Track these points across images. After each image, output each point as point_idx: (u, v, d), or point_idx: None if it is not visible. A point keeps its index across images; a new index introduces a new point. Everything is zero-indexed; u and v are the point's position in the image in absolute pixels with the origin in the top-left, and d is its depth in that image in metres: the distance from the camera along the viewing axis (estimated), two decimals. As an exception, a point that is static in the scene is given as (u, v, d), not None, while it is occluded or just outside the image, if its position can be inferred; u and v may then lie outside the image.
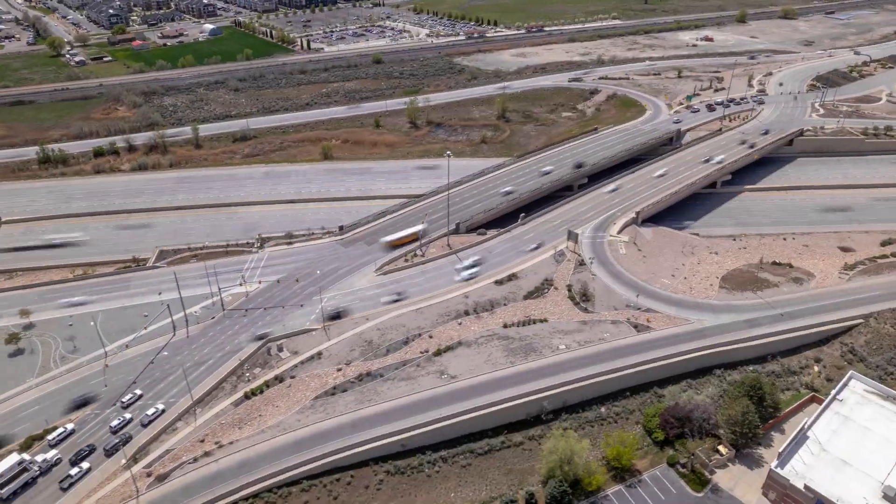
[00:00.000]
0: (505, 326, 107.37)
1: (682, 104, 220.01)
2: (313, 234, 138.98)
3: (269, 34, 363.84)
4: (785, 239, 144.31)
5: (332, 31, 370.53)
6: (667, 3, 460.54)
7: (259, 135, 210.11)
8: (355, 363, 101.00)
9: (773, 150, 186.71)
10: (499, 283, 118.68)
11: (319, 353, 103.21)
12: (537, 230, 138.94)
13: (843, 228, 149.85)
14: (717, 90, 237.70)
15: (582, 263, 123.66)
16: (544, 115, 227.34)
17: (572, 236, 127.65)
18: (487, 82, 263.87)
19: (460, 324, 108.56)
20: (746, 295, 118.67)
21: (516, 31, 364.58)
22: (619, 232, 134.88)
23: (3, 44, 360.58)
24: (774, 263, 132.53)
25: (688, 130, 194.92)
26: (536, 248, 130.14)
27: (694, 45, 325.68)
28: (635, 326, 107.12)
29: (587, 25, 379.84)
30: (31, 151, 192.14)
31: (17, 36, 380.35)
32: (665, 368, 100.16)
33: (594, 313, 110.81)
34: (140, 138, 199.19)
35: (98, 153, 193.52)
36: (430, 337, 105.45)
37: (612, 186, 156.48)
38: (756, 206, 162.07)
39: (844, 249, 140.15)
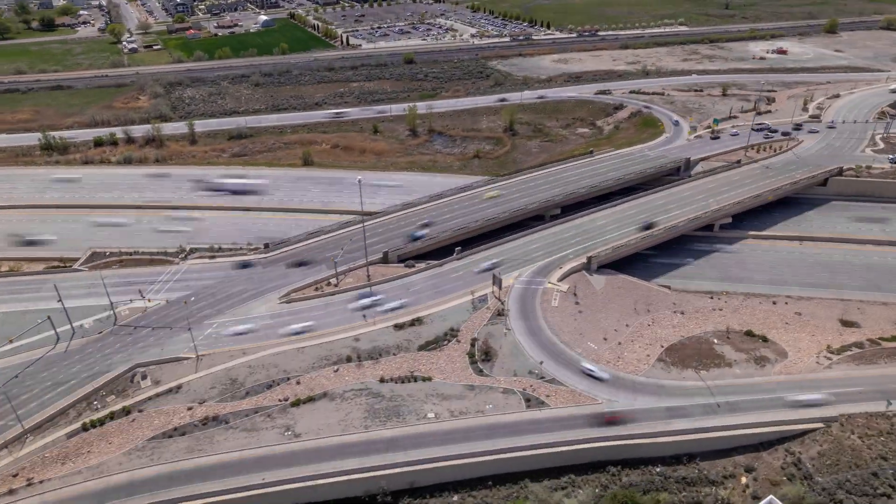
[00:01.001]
0: (381, 381, 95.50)
1: (708, 128, 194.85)
2: (240, 249, 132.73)
3: (317, 28, 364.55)
4: (775, 302, 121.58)
5: (379, 28, 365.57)
6: (750, 9, 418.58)
7: (256, 134, 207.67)
8: (209, 403, 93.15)
9: (801, 190, 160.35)
10: (399, 327, 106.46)
11: (179, 387, 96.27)
12: (472, 267, 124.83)
13: (854, 296, 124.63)
14: (760, 113, 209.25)
15: (500, 314, 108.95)
16: (556, 131, 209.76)
17: (496, 280, 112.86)
18: (512, 89, 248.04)
19: (336, 371, 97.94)
20: (686, 374, 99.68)
21: (567, 35, 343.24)
22: (562, 279, 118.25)
23: (77, 29, 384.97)
24: (747, 334, 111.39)
25: (701, 160, 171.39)
26: (447, 291, 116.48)
27: (762, 59, 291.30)
28: (528, 400, 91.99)
29: (648, 31, 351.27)
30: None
31: (93, 22, 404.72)
32: (545, 458, 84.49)
33: (489, 377, 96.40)
34: (139, 130, 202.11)
35: (98, 143, 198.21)
36: (298, 383, 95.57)
37: (579, 221, 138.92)
38: (755, 257, 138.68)
39: (846, 324, 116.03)
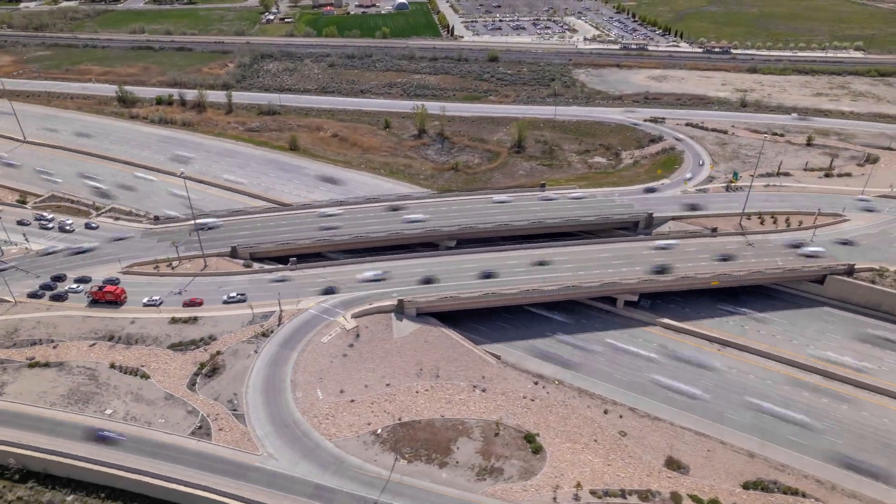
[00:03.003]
0: (111, 366, 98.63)
1: (727, 181, 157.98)
2: (144, 215, 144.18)
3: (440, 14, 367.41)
4: (607, 412, 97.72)
5: (500, 21, 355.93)
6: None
7: (284, 112, 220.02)
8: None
9: (787, 283, 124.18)
10: (174, 321, 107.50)
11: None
12: (289, 281, 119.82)
13: (717, 433, 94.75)
14: (831, 174, 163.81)
15: (265, 335, 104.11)
16: (566, 155, 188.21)
17: (279, 300, 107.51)
18: (573, 102, 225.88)
19: (92, 346, 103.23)
20: (387, 459, 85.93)
21: (692, 49, 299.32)
22: (358, 316, 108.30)
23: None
24: (526, 438, 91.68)
25: (674, 218, 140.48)
26: (234, 300, 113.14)
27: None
28: (200, 427, 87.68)
29: (804, 54, 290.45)
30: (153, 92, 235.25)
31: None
32: (145, 486, 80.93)
33: (194, 393, 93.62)
34: (190, 94, 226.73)
35: (158, 101, 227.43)
36: (54, 347, 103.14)
37: (472, 257, 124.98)
38: (651, 351, 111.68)
39: (672, 464, 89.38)
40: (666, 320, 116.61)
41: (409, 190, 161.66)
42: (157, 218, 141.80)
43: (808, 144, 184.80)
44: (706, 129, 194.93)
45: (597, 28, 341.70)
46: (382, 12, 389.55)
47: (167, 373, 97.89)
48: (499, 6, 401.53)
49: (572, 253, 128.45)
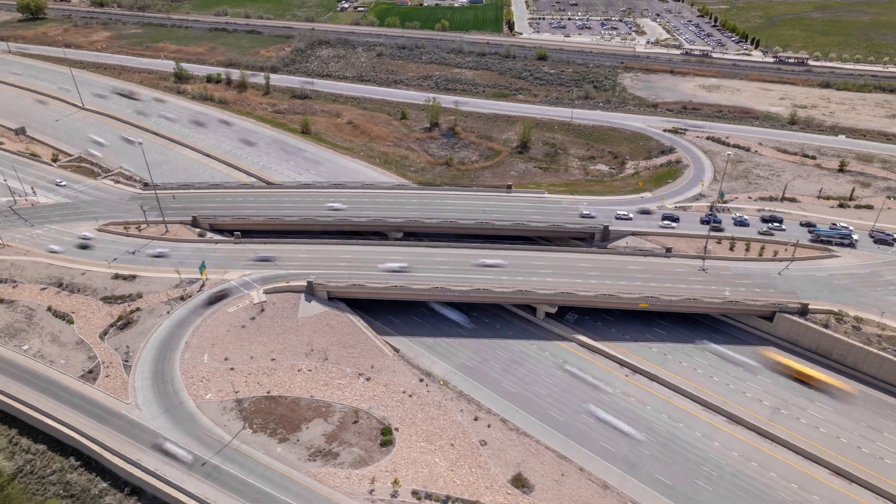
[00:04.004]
0: (30, 310, 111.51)
1: (715, 200, 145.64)
2: (139, 181, 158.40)
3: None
4: (477, 419, 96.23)
5: (569, 20, 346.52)
6: None
7: (315, 97, 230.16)
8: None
9: (733, 315, 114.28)
10: (116, 276, 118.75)
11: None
12: (227, 253, 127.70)
13: (580, 458, 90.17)
14: (857, 206, 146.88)
15: (183, 298, 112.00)
16: (569, 159, 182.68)
17: (203, 266, 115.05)
18: (607, 107, 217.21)
19: (43, 290, 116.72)
20: (234, 425, 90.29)
21: (762, 60, 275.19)
22: (271, 292, 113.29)
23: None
24: (383, 432, 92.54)
25: (635, 234, 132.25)
26: (157, 255, 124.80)
27: None
28: (51, 364, 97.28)
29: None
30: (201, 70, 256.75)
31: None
32: None
33: (96, 345, 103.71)
34: (235, 74, 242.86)
35: (208, 79, 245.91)
36: (14, 287, 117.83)
37: (412, 250, 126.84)
38: (541, 361, 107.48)
39: (517, 480, 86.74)
40: (581, 337, 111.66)
41: (389, 180, 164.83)
42: (146, 185, 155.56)
43: (840, 170, 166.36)
44: (727, 144, 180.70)
45: (667, 31, 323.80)
46: (456, 5, 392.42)
47: (89, 321, 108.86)
48: (574, 4, 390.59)
49: (507, 257, 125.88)
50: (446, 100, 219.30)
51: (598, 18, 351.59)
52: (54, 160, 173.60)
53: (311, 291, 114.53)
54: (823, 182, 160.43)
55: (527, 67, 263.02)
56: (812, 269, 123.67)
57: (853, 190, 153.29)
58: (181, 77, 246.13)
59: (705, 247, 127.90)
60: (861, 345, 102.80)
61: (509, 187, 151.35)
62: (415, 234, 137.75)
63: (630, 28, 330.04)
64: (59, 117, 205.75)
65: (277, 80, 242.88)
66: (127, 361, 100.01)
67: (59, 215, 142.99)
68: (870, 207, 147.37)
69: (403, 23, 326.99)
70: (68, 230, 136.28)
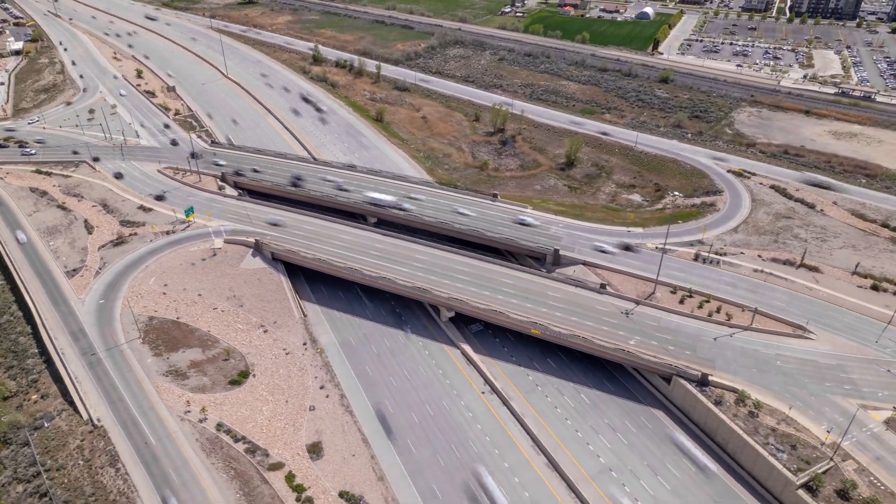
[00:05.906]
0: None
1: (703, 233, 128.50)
2: (213, 139, 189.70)
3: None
4: (323, 388, 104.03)
5: (728, 45, 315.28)
6: None
7: (412, 89, 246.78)
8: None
9: (643, 374, 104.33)
10: (143, 209, 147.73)
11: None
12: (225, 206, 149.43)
13: (391, 473, 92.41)
14: None
15: (168, 233, 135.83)
16: (605, 185, 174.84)
17: (178, 213, 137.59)
18: (694, 141, 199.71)
19: (77, 198, 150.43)
20: (130, 331, 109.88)
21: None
22: (230, 242, 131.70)
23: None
24: (240, 373, 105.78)
25: (587, 264, 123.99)
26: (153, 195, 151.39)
27: None
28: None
29: None
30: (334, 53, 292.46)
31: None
32: None
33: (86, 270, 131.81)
34: (360, 62, 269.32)
35: (337, 64, 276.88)
36: (80, 200, 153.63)
37: (373, 235, 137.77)
38: (420, 364, 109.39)
39: (313, 448, 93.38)
40: (465, 346, 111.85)
41: (416, 173, 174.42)
42: (213, 142, 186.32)
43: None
44: (789, 196, 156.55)
45: (844, 67, 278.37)
46: (619, 19, 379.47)
47: (101, 235, 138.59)
48: (753, 28, 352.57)
49: (433, 255, 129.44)
50: (532, 109, 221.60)
51: (765, 45, 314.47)
52: (177, 114, 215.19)
53: (258, 248, 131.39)
54: (880, 258, 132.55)
55: (639, 88, 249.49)
56: (763, 343, 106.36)
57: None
58: (317, 59, 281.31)
59: (652, 293, 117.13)
60: (741, 432, 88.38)
61: (495, 196, 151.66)
62: (392, 224, 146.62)
63: (799, 58, 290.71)
64: (207, 81, 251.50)
65: (394, 72, 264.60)
66: (100, 270, 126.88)
67: (144, 155, 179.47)
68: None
69: (546, 31, 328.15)
70: (141, 167, 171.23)
